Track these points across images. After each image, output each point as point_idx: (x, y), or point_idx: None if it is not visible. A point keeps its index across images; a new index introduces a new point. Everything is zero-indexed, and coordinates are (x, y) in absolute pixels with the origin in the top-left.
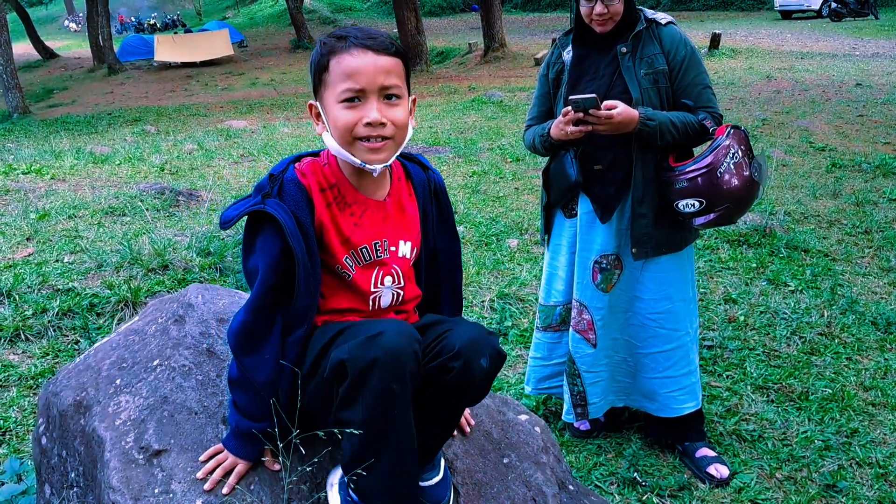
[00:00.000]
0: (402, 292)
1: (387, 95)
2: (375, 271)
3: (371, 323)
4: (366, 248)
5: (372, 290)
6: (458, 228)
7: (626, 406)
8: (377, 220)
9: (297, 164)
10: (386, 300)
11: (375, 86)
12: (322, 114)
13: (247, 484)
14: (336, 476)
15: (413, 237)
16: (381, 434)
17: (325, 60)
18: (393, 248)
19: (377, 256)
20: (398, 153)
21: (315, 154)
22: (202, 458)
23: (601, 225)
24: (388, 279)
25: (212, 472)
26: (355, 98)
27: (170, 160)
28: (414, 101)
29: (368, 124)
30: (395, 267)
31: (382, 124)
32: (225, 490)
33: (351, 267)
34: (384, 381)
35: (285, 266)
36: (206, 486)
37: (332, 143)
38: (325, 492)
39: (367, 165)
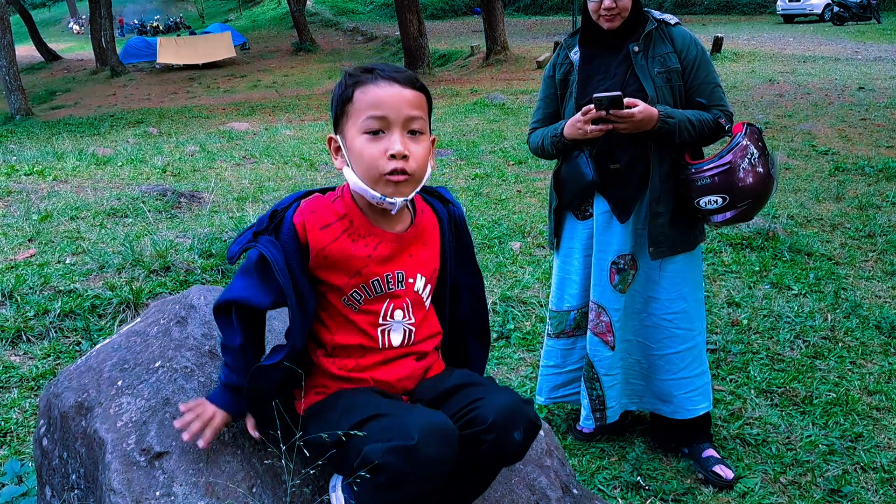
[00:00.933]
0: (413, 329)
1: (410, 130)
2: (385, 304)
3: (400, 414)
4: (377, 280)
5: (380, 322)
6: None
7: (637, 409)
8: (393, 251)
9: (302, 202)
10: (397, 338)
11: (401, 116)
12: (343, 147)
13: (248, 487)
14: (339, 478)
15: (429, 273)
16: None
17: (349, 91)
18: (411, 280)
19: (388, 289)
20: (417, 190)
21: (329, 189)
22: (182, 407)
23: (618, 225)
24: (398, 313)
25: (189, 424)
26: (380, 130)
27: (172, 162)
28: (433, 140)
29: (392, 156)
30: (408, 300)
31: (405, 157)
32: (201, 443)
33: (359, 300)
34: (418, 490)
35: (271, 298)
36: (185, 437)
37: (352, 178)
38: (329, 495)
39: (388, 199)
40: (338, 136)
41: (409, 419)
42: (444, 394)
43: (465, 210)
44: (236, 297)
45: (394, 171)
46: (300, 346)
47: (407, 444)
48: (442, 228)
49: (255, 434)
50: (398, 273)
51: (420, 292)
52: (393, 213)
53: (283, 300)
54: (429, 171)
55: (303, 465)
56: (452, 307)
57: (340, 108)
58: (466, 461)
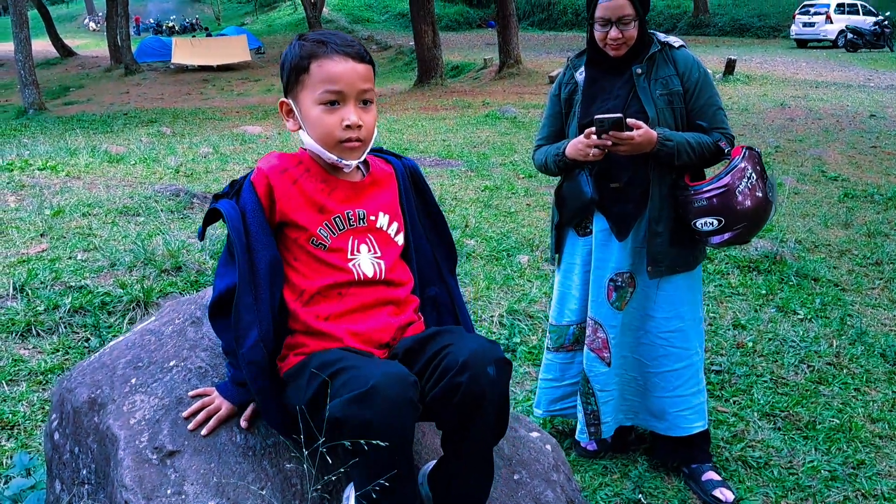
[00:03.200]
0: (382, 263)
1: (363, 100)
2: (350, 239)
3: (361, 366)
4: (339, 217)
5: (349, 256)
6: (468, 242)
7: (633, 426)
8: (350, 192)
9: (259, 161)
10: (368, 269)
11: (354, 90)
12: (296, 111)
13: (259, 488)
14: (352, 490)
15: (393, 212)
16: (386, 482)
17: (305, 63)
18: (373, 218)
19: (350, 225)
20: (367, 151)
21: None
22: (191, 393)
23: (617, 243)
24: (363, 247)
25: (196, 414)
26: (335, 101)
27: (185, 162)
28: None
29: (348, 126)
30: (370, 236)
31: (359, 126)
32: (204, 432)
33: (326, 237)
34: (385, 436)
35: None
36: (190, 427)
37: (308, 141)
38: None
39: (343, 161)
40: (290, 100)
41: (367, 371)
42: (419, 343)
43: (473, 221)
44: (223, 289)
45: (349, 140)
46: (248, 301)
47: (363, 391)
48: (398, 176)
49: (243, 424)
50: (359, 211)
51: (385, 229)
52: (347, 171)
53: None
54: (375, 131)
55: (318, 470)
56: (419, 254)
57: (294, 76)
58: (451, 427)
